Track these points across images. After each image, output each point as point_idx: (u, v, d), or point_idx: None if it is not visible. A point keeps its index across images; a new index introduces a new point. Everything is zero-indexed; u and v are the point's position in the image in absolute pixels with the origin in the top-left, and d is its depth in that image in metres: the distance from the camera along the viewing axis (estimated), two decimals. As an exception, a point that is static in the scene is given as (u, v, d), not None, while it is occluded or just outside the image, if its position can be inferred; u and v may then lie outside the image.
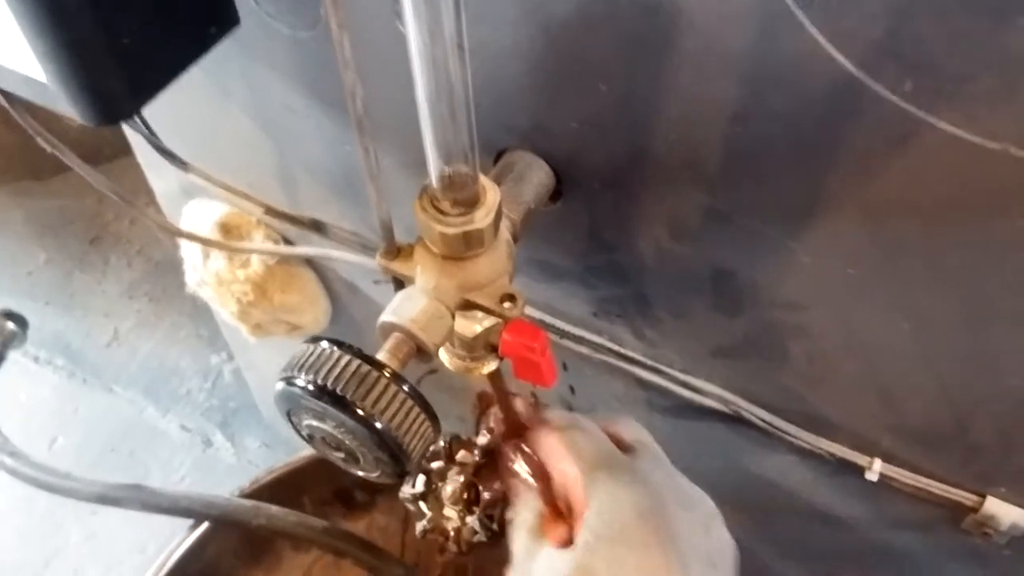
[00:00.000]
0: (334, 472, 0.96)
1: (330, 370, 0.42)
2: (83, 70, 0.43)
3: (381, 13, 0.50)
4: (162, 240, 1.86)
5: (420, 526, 0.70)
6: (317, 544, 0.86)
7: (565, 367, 0.71)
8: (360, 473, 0.47)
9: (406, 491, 0.70)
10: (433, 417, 0.45)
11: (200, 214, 0.79)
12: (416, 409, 0.44)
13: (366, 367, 0.42)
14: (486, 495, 0.68)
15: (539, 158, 0.53)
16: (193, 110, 0.67)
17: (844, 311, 0.50)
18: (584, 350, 0.65)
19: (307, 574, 1.04)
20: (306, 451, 0.96)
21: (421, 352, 0.47)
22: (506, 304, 0.49)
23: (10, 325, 1.14)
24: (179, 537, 0.92)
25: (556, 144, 0.52)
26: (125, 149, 1.85)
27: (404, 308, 0.47)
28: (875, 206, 0.43)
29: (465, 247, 0.47)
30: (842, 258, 0.47)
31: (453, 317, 0.49)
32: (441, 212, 0.45)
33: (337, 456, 0.46)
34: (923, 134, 0.39)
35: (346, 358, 0.42)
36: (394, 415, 0.43)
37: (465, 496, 0.68)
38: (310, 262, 0.81)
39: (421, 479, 0.69)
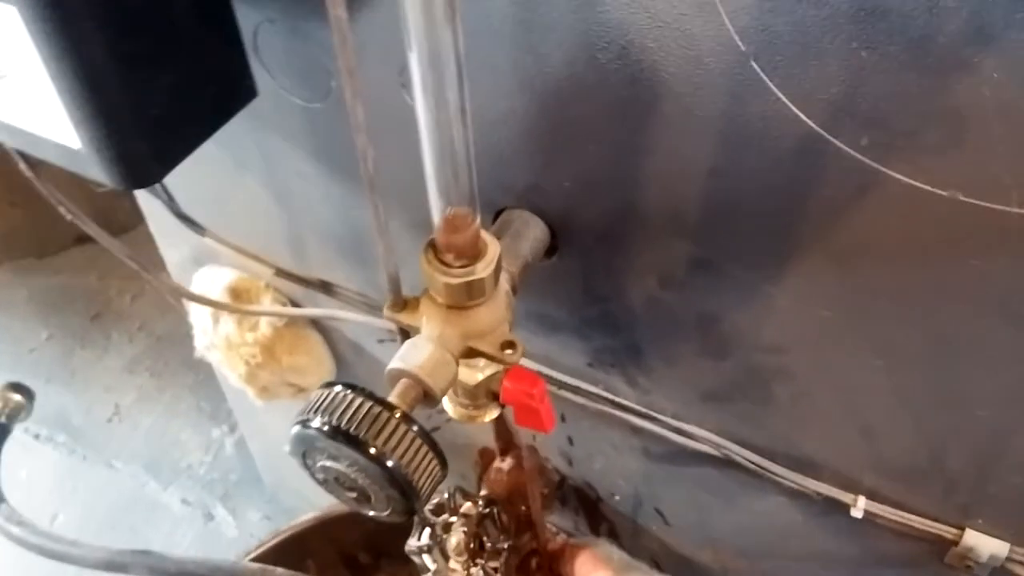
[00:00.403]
0: (338, 535, 0.98)
1: (344, 411, 0.45)
2: (115, 138, 0.47)
3: (388, 84, 0.55)
4: (163, 315, 1.90)
5: (426, 578, 0.72)
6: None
7: (563, 418, 0.74)
8: (371, 513, 0.50)
9: (412, 544, 0.73)
10: (441, 457, 0.48)
11: (210, 280, 0.82)
12: (425, 448, 0.47)
13: (378, 408, 0.46)
14: (489, 545, 0.71)
15: (535, 216, 0.57)
16: (208, 178, 0.71)
17: (821, 352, 0.54)
18: (581, 400, 0.69)
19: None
20: (310, 514, 0.98)
21: (428, 397, 0.50)
22: (507, 351, 0.52)
23: (16, 397, 1.16)
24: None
25: (551, 202, 0.56)
26: (125, 227, 1.91)
27: (411, 355, 0.50)
28: (842, 251, 0.47)
29: (467, 297, 0.50)
30: (816, 301, 0.51)
31: (457, 364, 0.52)
32: (445, 264, 0.49)
33: (349, 496, 0.49)
34: (880, 184, 0.43)
35: (359, 400, 0.46)
36: (404, 453, 0.46)
37: (470, 547, 0.70)
38: (316, 324, 0.84)
39: (426, 532, 0.72)
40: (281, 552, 0.92)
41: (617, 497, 0.79)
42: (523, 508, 0.80)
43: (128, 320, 1.90)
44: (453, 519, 0.71)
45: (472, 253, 0.49)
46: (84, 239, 2.14)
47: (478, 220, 0.46)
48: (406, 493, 0.46)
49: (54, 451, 1.64)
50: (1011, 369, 0.48)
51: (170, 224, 0.84)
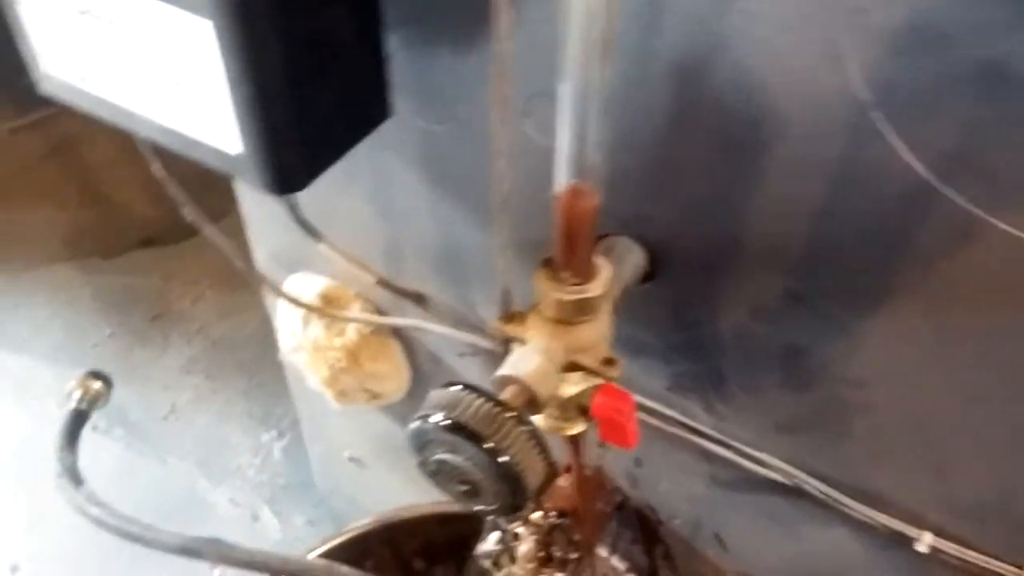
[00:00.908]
0: (397, 540, 1.01)
1: (465, 409, 0.49)
2: (275, 146, 0.51)
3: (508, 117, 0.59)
4: (220, 320, 1.95)
5: (493, 582, 0.75)
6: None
7: (635, 440, 0.78)
8: (478, 508, 0.54)
9: (481, 548, 0.76)
10: (549, 458, 0.52)
11: (302, 286, 0.87)
12: (536, 447, 0.50)
13: (496, 408, 0.49)
14: (558, 555, 0.74)
15: (636, 243, 0.61)
16: (318, 190, 0.76)
17: (904, 389, 0.57)
18: (655, 422, 0.72)
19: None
20: (372, 519, 1.01)
21: (531, 403, 0.54)
22: (607, 367, 0.56)
23: (96, 384, 1.21)
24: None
25: (654, 230, 0.60)
26: (189, 232, 1.97)
27: (520, 364, 0.54)
28: (937, 295, 0.51)
29: (577, 313, 0.54)
30: (905, 340, 0.54)
31: (560, 375, 0.56)
32: (559, 282, 0.53)
33: (460, 489, 0.53)
34: (983, 233, 0.46)
35: (479, 400, 0.50)
36: (517, 450, 0.49)
37: (539, 555, 0.73)
38: (398, 334, 0.88)
39: (496, 536, 0.75)
40: (343, 551, 0.95)
41: (677, 520, 0.82)
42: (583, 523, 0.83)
43: (187, 322, 1.95)
44: (523, 527, 0.74)
45: (586, 272, 0.53)
46: (148, 242, 2.21)
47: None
48: (515, 489, 0.50)
49: (112, 443, 1.69)
50: (1089, 416, 0.51)
51: (269, 231, 0.89)
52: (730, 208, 0.55)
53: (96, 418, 1.68)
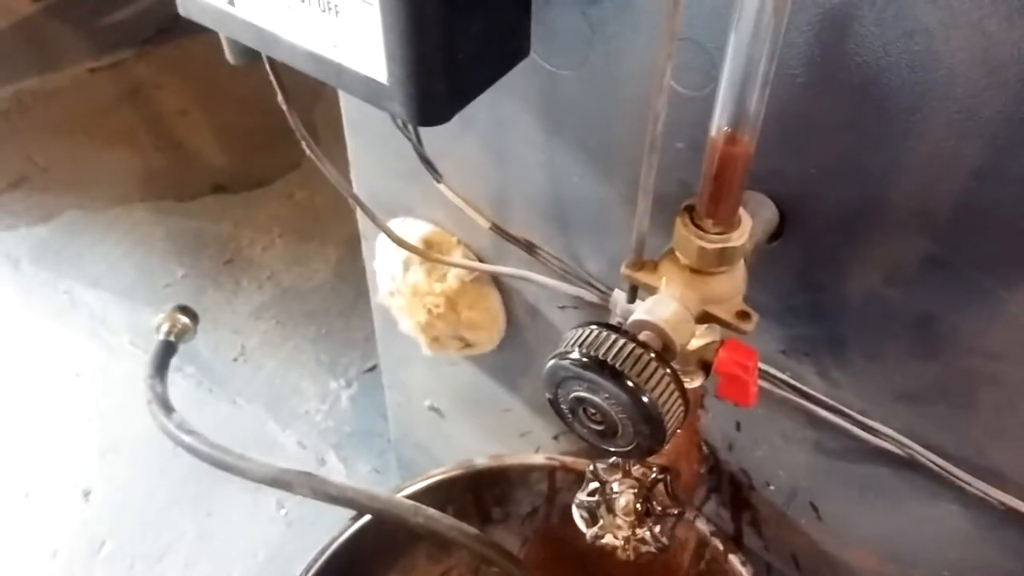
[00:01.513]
0: (479, 489, 1.02)
1: (609, 348, 0.49)
2: (423, 75, 0.51)
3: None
4: (290, 269, 1.97)
5: (591, 532, 0.75)
6: (468, 548, 0.92)
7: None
8: (613, 449, 0.54)
9: (581, 497, 0.76)
10: (687, 401, 0.52)
11: (405, 231, 0.87)
12: (675, 390, 0.50)
13: (639, 348, 0.49)
14: (658, 510, 0.74)
15: (768, 199, 0.60)
16: (435, 132, 0.76)
17: (1042, 363, 0.56)
18: (765, 385, 0.71)
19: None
20: (452, 465, 1.02)
21: (666, 350, 0.54)
22: (741, 320, 0.55)
23: (184, 319, 1.24)
24: (332, 534, 0.97)
25: (788, 187, 0.59)
26: (261, 182, 2.01)
27: (657, 310, 0.54)
28: (1095, 264, 0.49)
29: (717, 263, 0.53)
30: (1051, 311, 0.53)
31: (694, 324, 0.55)
32: (702, 229, 0.53)
33: (595, 429, 0.53)
34: None
35: (622, 340, 0.49)
36: (660, 392, 0.49)
37: (637, 508, 0.73)
38: (498, 284, 0.88)
39: (594, 486, 0.75)
40: (427, 495, 0.96)
41: (772, 487, 0.82)
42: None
43: (258, 269, 1.98)
44: (620, 481, 0.74)
45: (730, 221, 0.53)
46: (220, 189, 2.23)
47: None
48: (655, 429, 0.50)
49: (183, 380, 1.73)
50: None
51: (377, 173, 0.89)
52: (871, 166, 0.54)
53: (168, 356, 1.71)
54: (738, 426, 0.79)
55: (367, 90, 0.54)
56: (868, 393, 0.67)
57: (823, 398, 0.69)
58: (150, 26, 2.73)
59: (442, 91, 0.53)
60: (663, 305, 0.54)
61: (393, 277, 0.90)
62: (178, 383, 1.72)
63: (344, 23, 0.51)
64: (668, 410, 0.50)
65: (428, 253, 0.83)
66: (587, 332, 0.51)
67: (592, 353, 0.50)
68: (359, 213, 0.98)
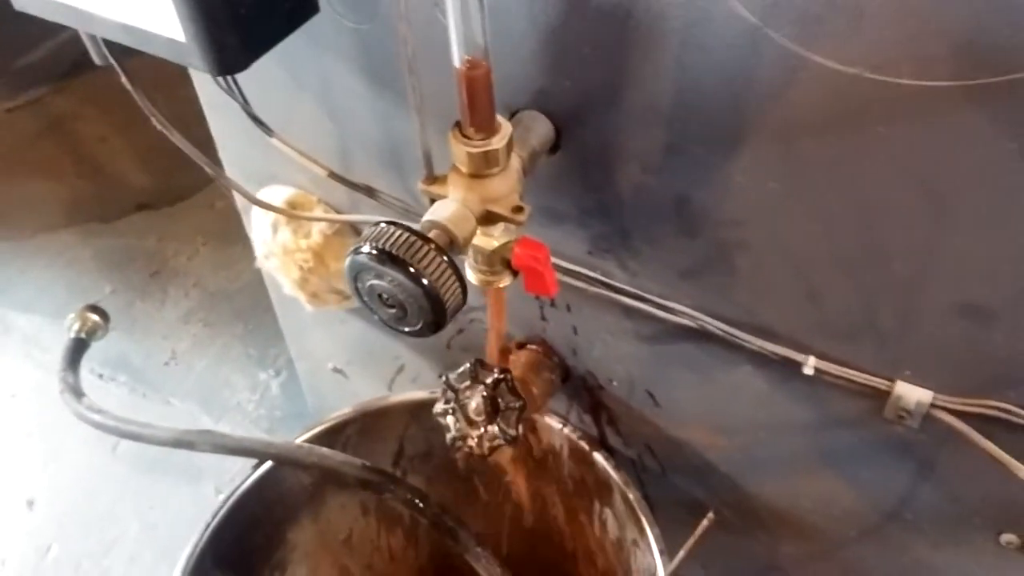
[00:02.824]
0: (370, 428, 1.10)
1: (391, 240, 0.59)
2: (213, 31, 0.60)
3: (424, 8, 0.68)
4: (215, 273, 2.06)
5: (449, 437, 0.85)
6: (359, 481, 1.01)
7: (569, 308, 0.87)
8: (406, 329, 0.63)
9: (439, 407, 0.86)
10: (463, 284, 0.61)
11: (271, 197, 0.96)
12: (452, 273, 0.60)
13: (418, 240, 0.59)
14: (503, 406, 0.83)
15: (542, 114, 0.70)
16: (273, 95, 0.85)
17: (772, 222, 0.66)
18: (582, 285, 0.81)
19: (348, 536, 1.18)
20: (345, 409, 1.10)
21: (453, 244, 0.63)
22: (517, 214, 0.65)
23: (94, 317, 1.32)
24: (238, 480, 1.05)
25: (555, 102, 0.69)
26: (182, 196, 2.08)
27: (440, 210, 0.64)
28: (781, 129, 0.60)
29: (485, 165, 0.63)
30: (765, 175, 0.63)
31: (476, 223, 0.65)
32: (468, 138, 0.63)
33: (389, 312, 0.62)
34: (805, 67, 0.55)
35: (403, 232, 0.59)
36: (437, 275, 0.59)
37: (487, 409, 0.83)
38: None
39: (451, 396, 0.85)
40: (323, 437, 1.04)
41: (615, 383, 0.92)
42: (532, 391, 0.93)
43: (184, 277, 2.06)
44: (473, 385, 0.84)
45: (489, 129, 0.63)
46: (143, 206, 2.31)
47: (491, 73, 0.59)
48: (436, 308, 0.60)
49: (117, 388, 1.80)
50: (917, 223, 0.60)
51: (239, 143, 0.98)
52: (613, 76, 0.64)
53: (100, 367, 1.79)
54: (575, 330, 0.89)
55: (171, 49, 0.63)
56: (659, 276, 0.77)
57: (628, 288, 0.79)
58: (65, 63, 2.79)
59: (233, 43, 0.62)
60: (445, 206, 0.64)
61: (265, 241, 0.99)
62: (112, 391, 1.80)
63: (142, -3, 0.61)
64: (446, 291, 0.60)
65: (288, 211, 0.92)
66: (378, 229, 0.60)
67: (380, 246, 0.59)
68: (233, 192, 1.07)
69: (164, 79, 0.96)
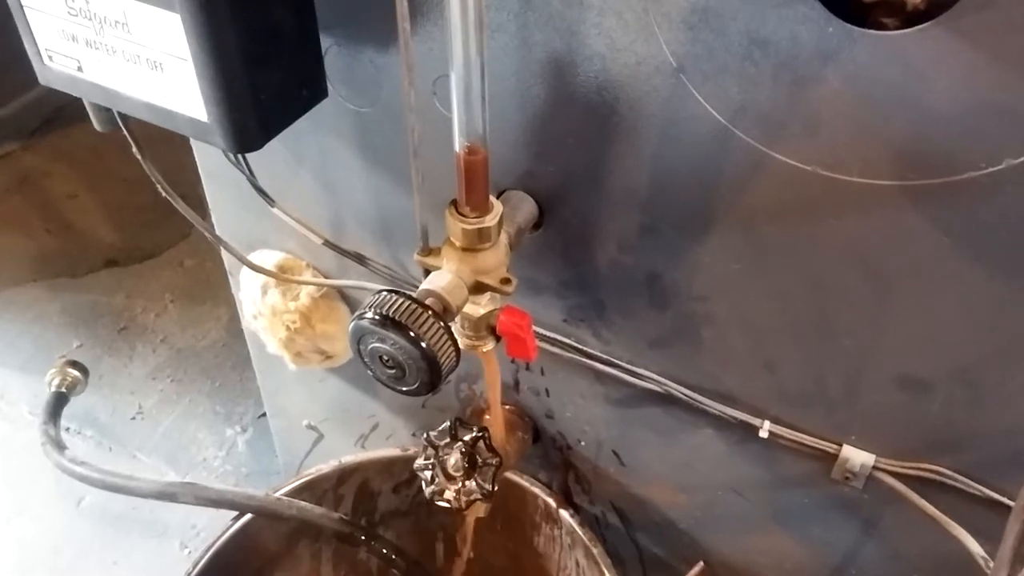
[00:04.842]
0: (345, 481, 1.14)
1: (393, 307, 0.64)
2: (235, 113, 0.67)
3: (423, 95, 0.75)
4: (183, 331, 2.08)
5: (429, 491, 0.90)
6: (337, 534, 1.05)
7: (543, 372, 0.93)
8: (404, 388, 0.69)
9: (419, 462, 0.91)
10: (457, 349, 0.67)
11: (261, 260, 1.02)
12: (448, 339, 0.66)
13: (418, 307, 0.65)
14: (480, 462, 0.89)
15: (527, 195, 0.77)
16: (272, 169, 0.91)
17: (734, 298, 0.73)
18: (557, 350, 0.88)
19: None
20: (322, 464, 1.15)
21: (446, 311, 0.69)
22: (505, 285, 0.72)
23: (74, 372, 1.36)
24: (204, 535, 1.09)
25: (540, 184, 0.76)
26: (151, 254, 2.13)
27: (436, 280, 0.70)
28: (744, 216, 0.67)
29: (478, 240, 0.70)
30: (729, 256, 0.71)
31: (468, 292, 0.71)
32: (463, 216, 0.69)
33: (389, 373, 0.68)
34: (768, 163, 0.63)
35: (404, 300, 0.65)
36: (435, 339, 0.64)
37: (465, 465, 0.88)
38: (345, 298, 1.03)
39: (431, 452, 0.90)
40: (301, 491, 1.08)
41: (583, 443, 0.98)
42: (506, 449, 0.99)
43: (152, 334, 2.08)
44: (452, 443, 0.89)
45: (483, 208, 0.69)
46: (112, 263, 2.34)
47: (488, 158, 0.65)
48: (433, 369, 0.65)
49: (83, 443, 1.81)
50: (863, 303, 0.67)
51: (232, 213, 1.04)
52: (595, 163, 0.71)
53: (67, 421, 1.80)
54: (547, 392, 0.95)
55: (193, 128, 0.69)
56: (630, 345, 0.84)
57: (600, 355, 0.86)
58: (35, 119, 2.82)
59: (252, 125, 0.69)
60: (440, 276, 0.70)
61: (254, 301, 1.04)
62: (78, 445, 1.81)
63: (169, 77, 0.67)
64: (442, 353, 0.66)
65: (280, 275, 0.97)
66: (380, 297, 0.66)
67: (383, 312, 0.65)
68: (223, 252, 1.12)
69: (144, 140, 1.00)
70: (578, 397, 0.93)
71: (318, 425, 1.29)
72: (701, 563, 0.90)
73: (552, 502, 1.03)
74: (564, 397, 0.94)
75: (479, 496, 0.88)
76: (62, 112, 2.85)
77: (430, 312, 0.66)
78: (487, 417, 1.00)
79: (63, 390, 1.31)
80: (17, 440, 1.83)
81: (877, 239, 0.64)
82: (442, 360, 0.66)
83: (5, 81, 2.87)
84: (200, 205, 1.07)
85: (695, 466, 0.90)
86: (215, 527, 1.55)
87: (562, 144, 0.72)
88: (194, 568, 1.01)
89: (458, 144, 0.65)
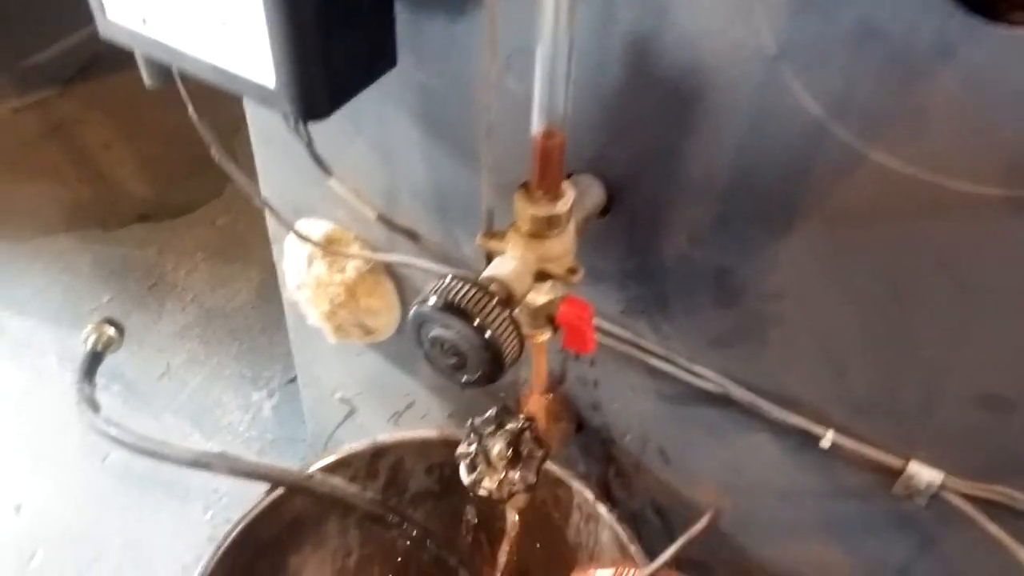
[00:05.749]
0: (379, 461, 1.12)
1: (459, 293, 0.62)
2: (305, 79, 0.63)
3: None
4: (213, 291, 2.07)
5: (469, 479, 0.87)
6: (368, 514, 1.03)
7: (592, 363, 0.91)
8: (463, 379, 0.66)
9: (462, 449, 0.88)
10: (521, 339, 0.64)
11: (308, 229, 0.99)
12: (512, 327, 0.63)
13: (483, 294, 0.62)
14: (525, 454, 0.86)
15: (597, 179, 0.74)
16: (329, 137, 0.88)
17: (809, 299, 0.70)
18: (612, 343, 0.85)
19: (342, 568, 1.20)
20: (358, 442, 1.13)
21: (510, 298, 0.66)
22: (571, 275, 0.69)
23: (110, 330, 1.34)
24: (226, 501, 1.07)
25: (611, 169, 0.73)
26: (184, 210, 2.11)
27: (500, 267, 0.67)
28: (831, 215, 0.64)
29: (547, 227, 0.67)
30: (809, 256, 0.67)
31: (532, 279, 0.68)
32: (534, 200, 0.66)
33: (449, 362, 0.65)
34: (864, 164, 0.59)
35: (469, 286, 0.62)
36: (500, 329, 0.62)
37: (509, 454, 0.86)
38: (391, 273, 1.01)
39: (474, 439, 0.87)
40: (335, 468, 1.07)
41: (628, 437, 0.95)
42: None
43: (182, 292, 2.07)
44: (498, 431, 0.87)
45: (555, 193, 0.66)
46: (144, 218, 2.32)
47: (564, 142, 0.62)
48: (495, 359, 0.63)
49: (109, 399, 1.80)
50: (948, 315, 0.64)
51: (282, 178, 1.01)
52: (672, 150, 0.68)
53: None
54: (595, 384, 0.93)
55: (259, 94, 0.66)
56: (690, 341, 0.80)
57: (657, 350, 0.83)
58: (72, 65, 2.80)
59: (322, 92, 0.65)
60: (505, 262, 0.67)
61: (299, 272, 1.02)
62: (104, 401, 1.77)
63: (237, 38, 0.64)
64: (506, 343, 0.63)
65: (328, 247, 0.95)
66: (443, 283, 0.63)
67: (446, 298, 0.62)
68: (269, 218, 1.10)
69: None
70: (628, 391, 0.90)
71: (352, 399, 1.27)
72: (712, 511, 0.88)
73: (589, 495, 1.00)
74: (614, 390, 0.91)
75: (521, 488, 0.86)
76: (99, 59, 2.82)
77: (495, 300, 0.63)
78: (530, 406, 0.98)
79: (99, 348, 1.29)
80: (45, 392, 1.82)
81: (972, 250, 0.60)
82: (506, 351, 0.63)
83: (43, 26, 2.86)
84: (233, 159, 1.04)
85: (744, 470, 0.87)
86: (237, 493, 1.55)
87: (638, 128, 0.69)
88: (226, 540, 0.99)
89: (536, 126, 0.62)
